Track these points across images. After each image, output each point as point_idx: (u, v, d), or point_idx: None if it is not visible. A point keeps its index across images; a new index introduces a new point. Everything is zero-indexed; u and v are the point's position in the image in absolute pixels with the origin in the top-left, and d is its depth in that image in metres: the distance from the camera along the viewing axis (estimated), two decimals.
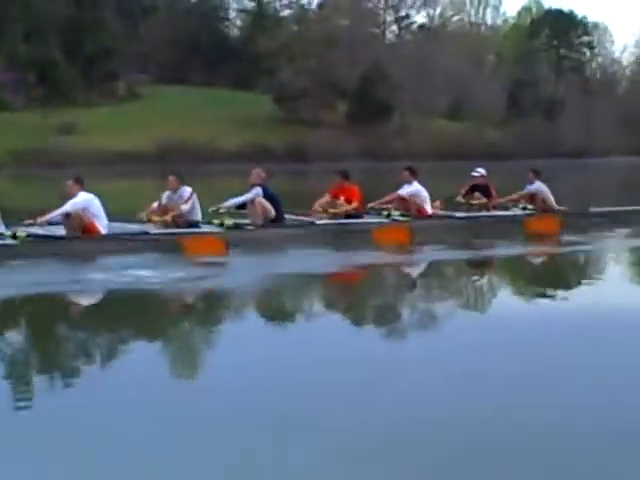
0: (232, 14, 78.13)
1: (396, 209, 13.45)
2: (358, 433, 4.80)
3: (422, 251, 12.45)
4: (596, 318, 7.90)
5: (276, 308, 9.06)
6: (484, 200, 14.84)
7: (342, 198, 13.36)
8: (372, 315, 8.77)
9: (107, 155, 44.89)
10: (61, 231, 11.44)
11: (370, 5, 72.38)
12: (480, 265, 12.23)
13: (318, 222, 12.86)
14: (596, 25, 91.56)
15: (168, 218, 12.07)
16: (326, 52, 56.98)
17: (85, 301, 9.35)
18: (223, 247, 10.85)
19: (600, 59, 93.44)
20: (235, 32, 76.56)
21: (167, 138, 48.22)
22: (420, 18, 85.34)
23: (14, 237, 10.45)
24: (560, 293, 9.62)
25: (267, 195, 12.65)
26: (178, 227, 11.93)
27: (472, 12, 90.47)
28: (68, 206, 11.34)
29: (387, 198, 13.90)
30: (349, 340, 7.28)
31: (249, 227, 12.26)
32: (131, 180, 35.96)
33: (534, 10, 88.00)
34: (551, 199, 15.32)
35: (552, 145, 64.03)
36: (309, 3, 74.94)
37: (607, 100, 75.29)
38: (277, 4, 74.43)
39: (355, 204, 13.37)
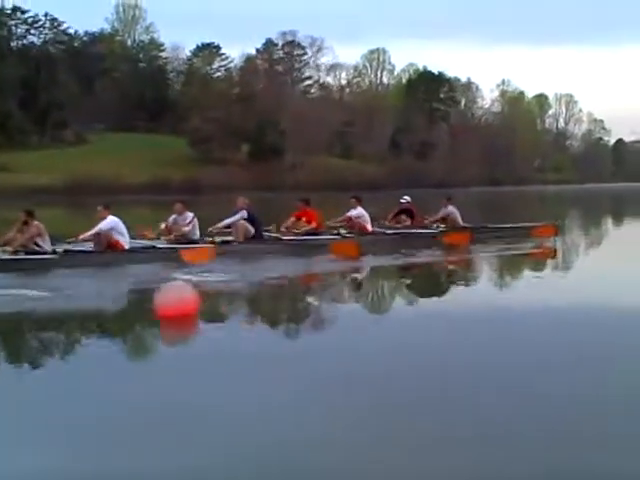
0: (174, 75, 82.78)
1: (344, 228, 15.18)
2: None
3: (366, 259, 13.42)
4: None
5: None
6: (408, 222, 16.48)
7: (304, 219, 14.74)
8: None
9: (25, 189, 45.04)
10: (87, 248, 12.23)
11: (280, 69, 77.14)
12: (407, 269, 13.29)
13: (283, 238, 14.17)
14: (469, 84, 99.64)
15: (172, 237, 13.13)
16: (228, 105, 60.99)
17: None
18: (211, 255, 12.09)
19: (478, 110, 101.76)
20: (175, 89, 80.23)
21: (77, 174, 49.92)
22: (329, 79, 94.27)
23: (54, 252, 11.57)
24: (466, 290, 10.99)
25: (250, 217, 13.91)
26: (180, 243, 12.79)
27: (372, 75, 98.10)
28: (101, 226, 12.18)
29: (340, 218, 15.61)
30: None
31: (233, 243, 13.53)
32: (45, 209, 38.22)
33: (420, 69, 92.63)
34: (459, 219, 16.95)
35: (422, 178, 66.99)
36: (235, 66, 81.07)
37: (471, 142, 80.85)
38: (207, 68, 79.15)
39: (314, 224, 14.71)
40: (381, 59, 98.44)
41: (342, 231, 15.01)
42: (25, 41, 68.18)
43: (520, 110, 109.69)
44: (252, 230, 13.83)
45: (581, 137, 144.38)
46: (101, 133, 69.35)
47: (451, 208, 17.07)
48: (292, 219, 14.94)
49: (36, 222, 11.84)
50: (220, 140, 59.79)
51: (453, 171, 75.71)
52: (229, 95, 63.56)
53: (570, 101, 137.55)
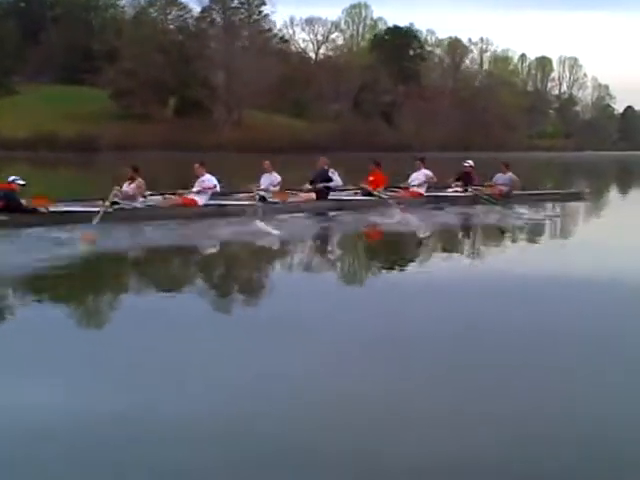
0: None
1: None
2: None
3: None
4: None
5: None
6: (465, 186, 16.71)
7: (371, 179, 15.43)
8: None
9: None
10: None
11: (235, 20, 68.77)
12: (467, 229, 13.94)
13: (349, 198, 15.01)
14: (457, 40, 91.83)
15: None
16: (150, 55, 54.18)
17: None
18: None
19: (460, 70, 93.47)
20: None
21: None
22: (304, 35, 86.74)
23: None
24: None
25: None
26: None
27: (354, 32, 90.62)
28: (205, 183, 12.79)
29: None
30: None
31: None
32: None
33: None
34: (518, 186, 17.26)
35: (381, 140, 61.08)
36: (191, 17, 74.90)
37: (444, 105, 73.49)
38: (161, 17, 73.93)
39: (380, 184, 15.35)
40: (363, 14, 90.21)
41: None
42: None
43: (506, 72, 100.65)
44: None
45: (587, 103, 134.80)
46: (39, 85, 62.94)
47: (510, 175, 17.27)
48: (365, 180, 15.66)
49: (140, 179, 12.36)
50: (142, 94, 52.24)
51: (420, 134, 67.79)
52: (151, 44, 54.94)
53: (574, 65, 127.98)
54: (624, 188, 29.66)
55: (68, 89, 61.32)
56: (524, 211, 14.92)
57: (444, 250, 11.31)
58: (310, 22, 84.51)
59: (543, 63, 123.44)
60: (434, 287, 7.98)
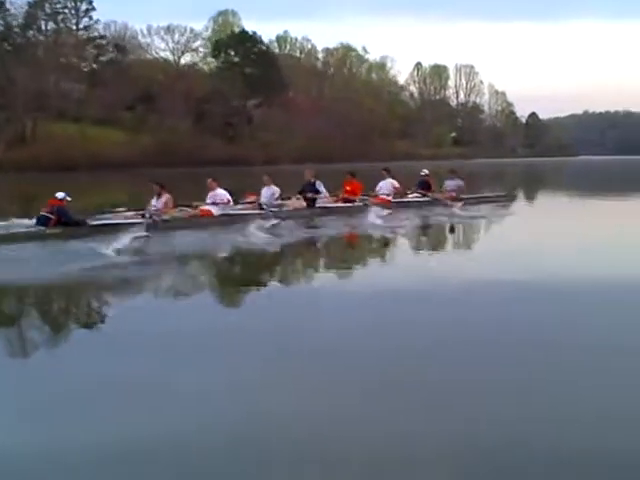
0: None
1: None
2: None
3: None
4: None
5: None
6: (423, 192, 18.39)
7: (348, 188, 16.81)
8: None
9: None
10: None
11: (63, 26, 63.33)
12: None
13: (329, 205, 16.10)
14: (344, 47, 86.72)
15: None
16: None
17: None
18: None
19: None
20: None
21: None
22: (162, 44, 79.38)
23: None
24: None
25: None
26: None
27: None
28: (218, 197, 13.78)
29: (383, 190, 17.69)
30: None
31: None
32: None
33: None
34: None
35: (216, 155, 55.55)
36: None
37: (302, 115, 66.98)
38: None
39: (357, 192, 16.76)
40: (230, 21, 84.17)
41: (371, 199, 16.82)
42: None
43: (385, 80, 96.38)
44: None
45: (490, 111, 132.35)
46: None
47: (458, 181, 19.18)
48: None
49: (168, 194, 13.23)
50: None
51: (270, 146, 61.81)
52: None
53: (471, 72, 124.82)
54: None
55: None
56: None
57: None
58: (169, 30, 77.94)
59: (439, 71, 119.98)
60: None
